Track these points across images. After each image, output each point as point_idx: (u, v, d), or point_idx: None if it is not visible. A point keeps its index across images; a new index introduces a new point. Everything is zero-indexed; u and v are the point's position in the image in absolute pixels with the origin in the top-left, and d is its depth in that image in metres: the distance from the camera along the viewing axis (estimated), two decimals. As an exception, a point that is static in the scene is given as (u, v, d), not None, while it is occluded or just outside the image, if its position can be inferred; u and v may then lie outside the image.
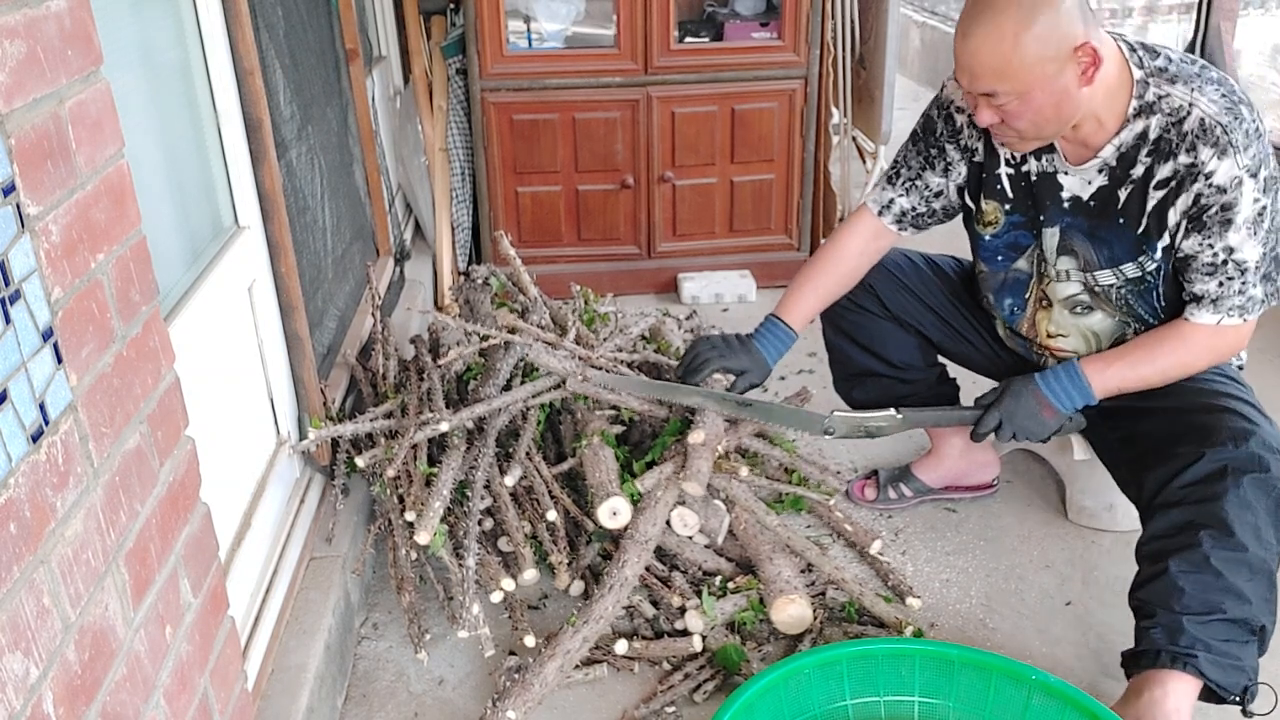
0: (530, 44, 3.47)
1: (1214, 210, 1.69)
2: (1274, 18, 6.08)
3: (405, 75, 3.67)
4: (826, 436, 2.07)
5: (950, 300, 2.19)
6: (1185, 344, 1.81)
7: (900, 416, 2.03)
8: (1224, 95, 1.69)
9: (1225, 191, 1.68)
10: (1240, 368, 1.98)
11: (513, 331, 2.35)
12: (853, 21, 3.94)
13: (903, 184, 2.05)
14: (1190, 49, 3.97)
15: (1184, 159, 1.70)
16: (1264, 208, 1.70)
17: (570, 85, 3.36)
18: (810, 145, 3.54)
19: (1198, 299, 1.78)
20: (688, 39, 3.48)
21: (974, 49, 1.66)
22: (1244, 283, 1.74)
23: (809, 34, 3.39)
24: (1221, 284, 1.74)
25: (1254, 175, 1.68)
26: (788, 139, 3.52)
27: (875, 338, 2.20)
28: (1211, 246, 1.72)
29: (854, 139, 4.13)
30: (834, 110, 3.85)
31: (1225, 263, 1.73)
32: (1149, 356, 1.84)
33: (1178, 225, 1.75)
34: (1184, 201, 1.72)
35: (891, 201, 2.06)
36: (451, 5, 3.61)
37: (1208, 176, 1.68)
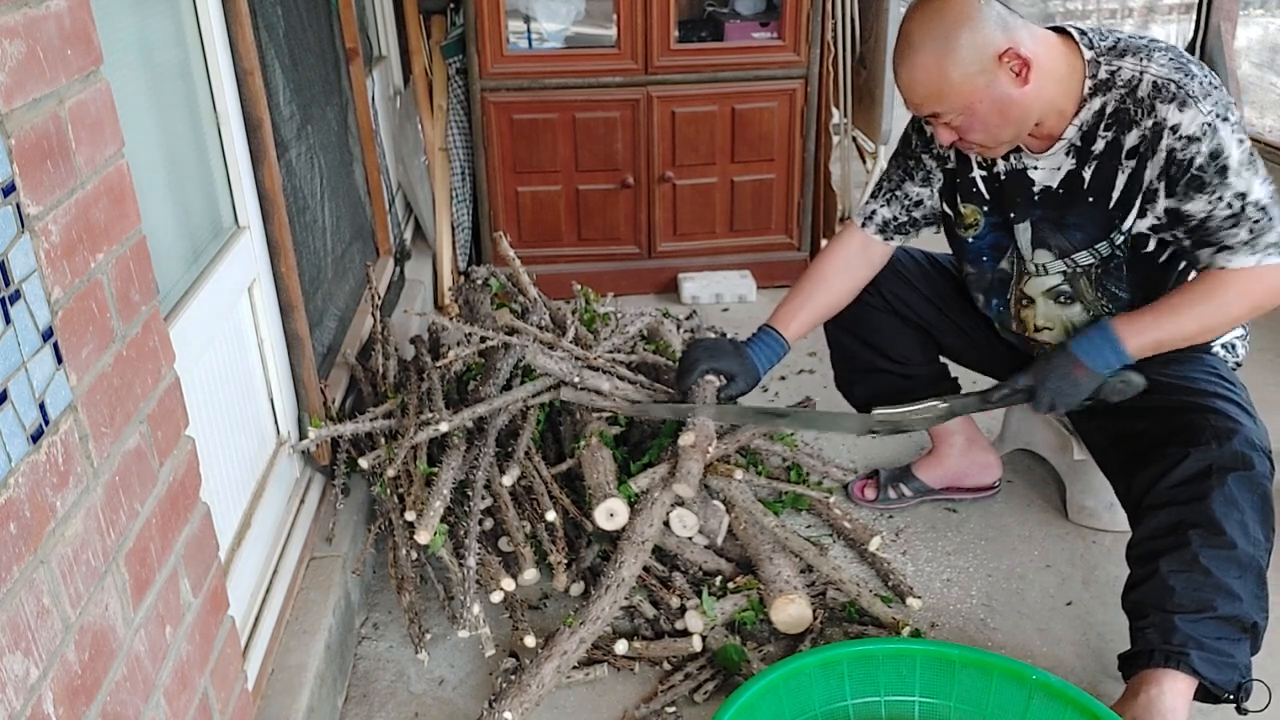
0: (530, 44, 3.47)
1: (1203, 163, 1.68)
2: (1274, 18, 6.08)
3: (405, 75, 3.67)
4: (872, 436, 2.03)
5: (952, 296, 2.20)
6: (1223, 290, 1.75)
7: (945, 405, 2.01)
8: (1172, 59, 1.72)
9: (1199, 140, 1.68)
10: (1238, 365, 1.99)
11: (512, 332, 2.35)
12: (853, 21, 3.94)
13: (884, 195, 2.10)
14: (1190, 49, 3.97)
15: (1147, 122, 1.71)
16: (1249, 148, 1.70)
17: (570, 85, 3.36)
18: (810, 145, 3.54)
19: (1231, 249, 1.72)
20: (688, 39, 3.48)
21: (906, 82, 1.75)
22: (1271, 219, 1.70)
23: (809, 34, 3.39)
24: (1252, 229, 1.70)
25: (1224, 119, 1.68)
26: (788, 139, 3.52)
27: (876, 332, 2.21)
28: (1222, 199, 1.69)
29: (854, 139, 4.13)
30: (834, 110, 3.85)
31: (1244, 209, 1.69)
32: (1185, 305, 1.78)
33: (1155, 190, 1.75)
34: (1157, 162, 1.72)
35: (874, 213, 2.11)
36: (451, 5, 3.61)
37: (1174, 130, 1.69)
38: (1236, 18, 3.95)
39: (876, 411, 2.03)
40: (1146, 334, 1.80)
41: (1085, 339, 1.83)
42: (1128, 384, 1.84)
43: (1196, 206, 1.72)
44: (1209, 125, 1.67)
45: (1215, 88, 1.70)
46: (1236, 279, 1.74)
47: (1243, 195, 1.69)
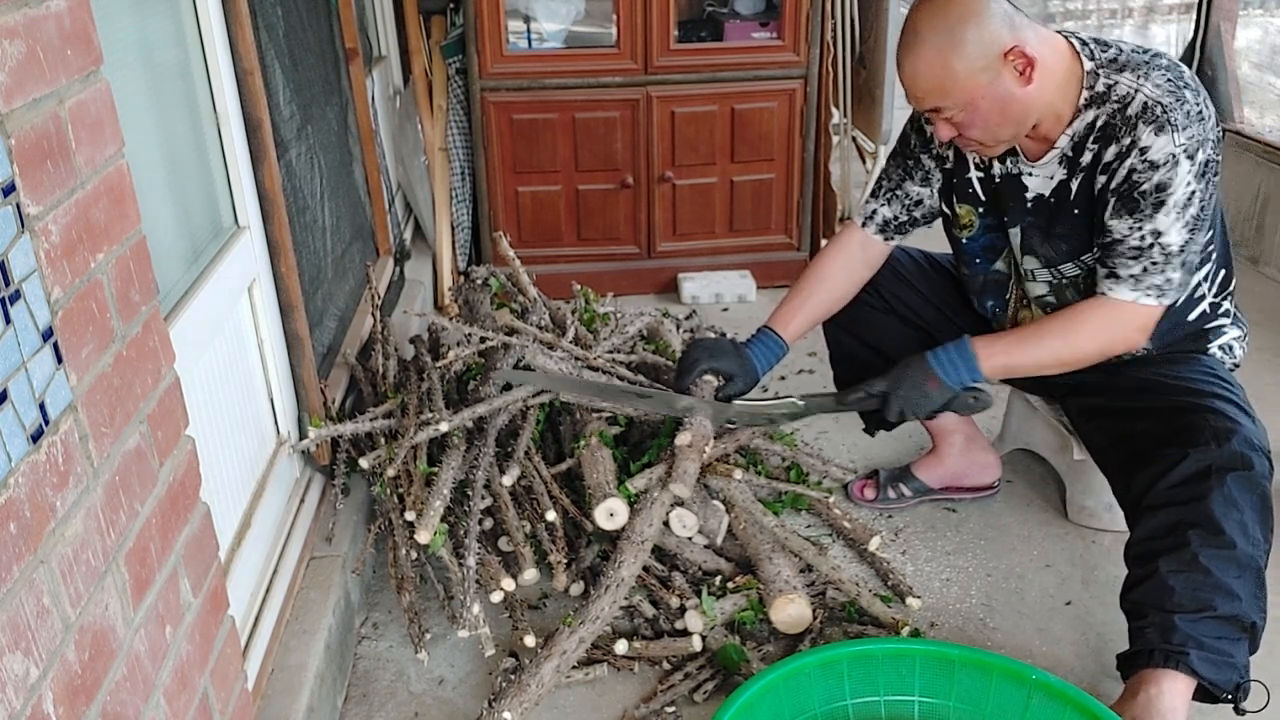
0: (530, 44, 3.47)
1: (1147, 189, 1.70)
2: (1274, 18, 6.08)
3: (405, 75, 3.67)
4: (729, 427, 2.06)
5: (950, 295, 2.21)
6: (1082, 323, 1.81)
7: (803, 403, 2.03)
8: (1169, 80, 1.72)
9: (1158, 168, 1.69)
10: (1235, 367, 1.99)
11: (512, 332, 2.35)
12: (853, 21, 3.94)
13: (885, 195, 2.10)
14: (1190, 49, 3.97)
15: (1125, 139, 1.72)
16: (1194, 193, 1.71)
17: (570, 85, 3.36)
18: (810, 145, 3.54)
19: (1118, 277, 1.78)
20: (688, 39, 3.48)
21: (910, 75, 1.75)
22: (1167, 265, 1.74)
23: (809, 34, 3.40)
24: (1146, 268, 1.75)
25: (1190, 157, 1.69)
26: (788, 139, 3.52)
27: (874, 332, 2.21)
28: (1140, 229, 1.73)
29: (854, 139, 4.13)
30: (834, 110, 3.85)
31: (1151, 246, 1.73)
32: (1039, 336, 1.85)
33: (1108, 202, 1.76)
34: (1118, 176, 1.74)
35: (874, 212, 2.12)
36: (451, 5, 3.61)
37: (1143, 151, 1.70)
38: (1236, 18, 3.95)
39: (737, 403, 2.05)
40: (1002, 357, 1.86)
41: (944, 353, 1.87)
42: (978, 400, 1.88)
43: (1119, 225, 1.75)
44: (1173, 156, 1.68)
45: (1200, 120, 1.70)
46: (1102, 311, 1.79)
47: (1157, 234, 1.72)
